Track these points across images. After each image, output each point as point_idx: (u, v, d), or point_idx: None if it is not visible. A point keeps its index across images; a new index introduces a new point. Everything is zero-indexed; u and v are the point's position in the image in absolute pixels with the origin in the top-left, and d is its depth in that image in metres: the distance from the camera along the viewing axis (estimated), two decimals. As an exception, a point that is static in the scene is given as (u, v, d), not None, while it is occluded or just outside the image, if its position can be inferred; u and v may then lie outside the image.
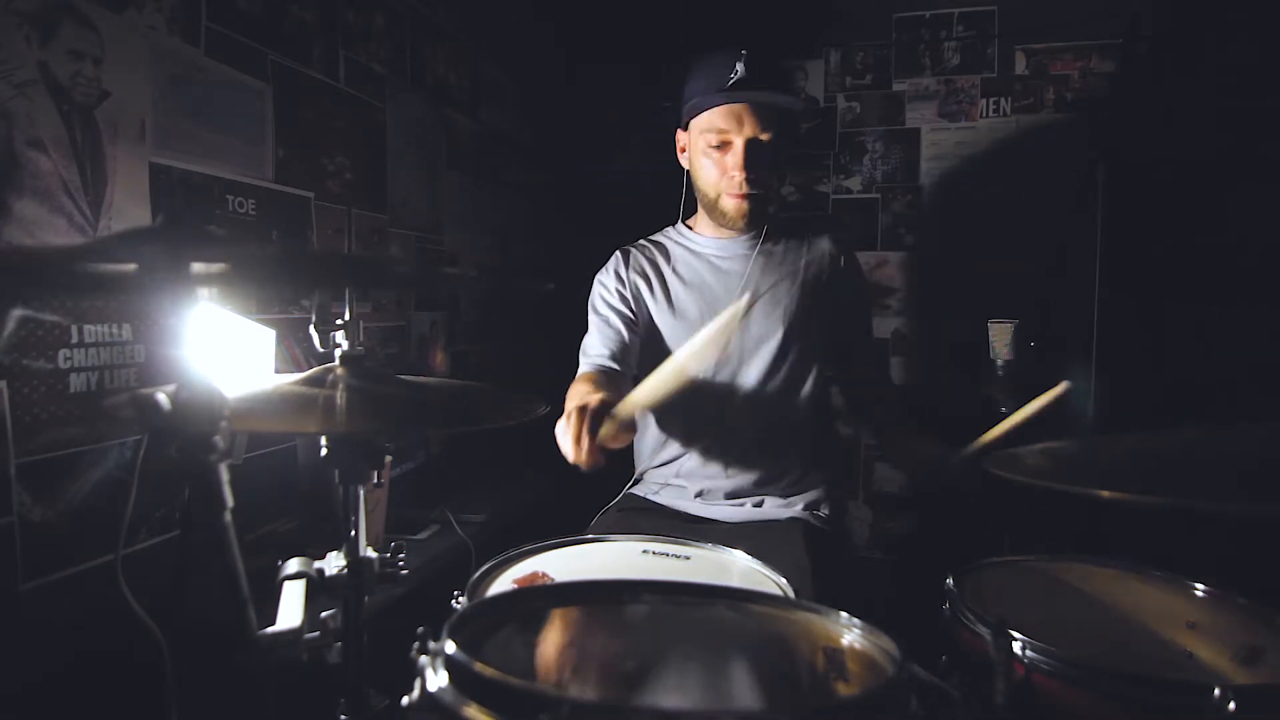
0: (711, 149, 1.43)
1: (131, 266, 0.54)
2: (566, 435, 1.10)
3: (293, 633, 0.76)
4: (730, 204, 1.46)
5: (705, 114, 1.42)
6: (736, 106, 1.39)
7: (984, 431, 1.19)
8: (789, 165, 2.90)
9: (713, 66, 1.41)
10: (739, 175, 1.42)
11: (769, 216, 1.54)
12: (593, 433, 1.07)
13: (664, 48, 2.77)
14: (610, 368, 1.48)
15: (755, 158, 1.41)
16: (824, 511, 1.52)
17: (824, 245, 1.58)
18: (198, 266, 0.57)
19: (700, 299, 1.53)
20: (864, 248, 2.75)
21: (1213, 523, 1.71)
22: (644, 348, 1.56)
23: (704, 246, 1.57)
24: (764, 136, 1.40)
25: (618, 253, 1.63)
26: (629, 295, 1.56)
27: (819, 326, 1.52)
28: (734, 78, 1.38)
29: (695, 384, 1.51)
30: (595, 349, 1.52)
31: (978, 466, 1.11)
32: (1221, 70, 2.39)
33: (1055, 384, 1.08)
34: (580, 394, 1.28)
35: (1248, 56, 2.36)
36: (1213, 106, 2.39)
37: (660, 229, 1.67)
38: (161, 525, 1.30)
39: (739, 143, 1.40)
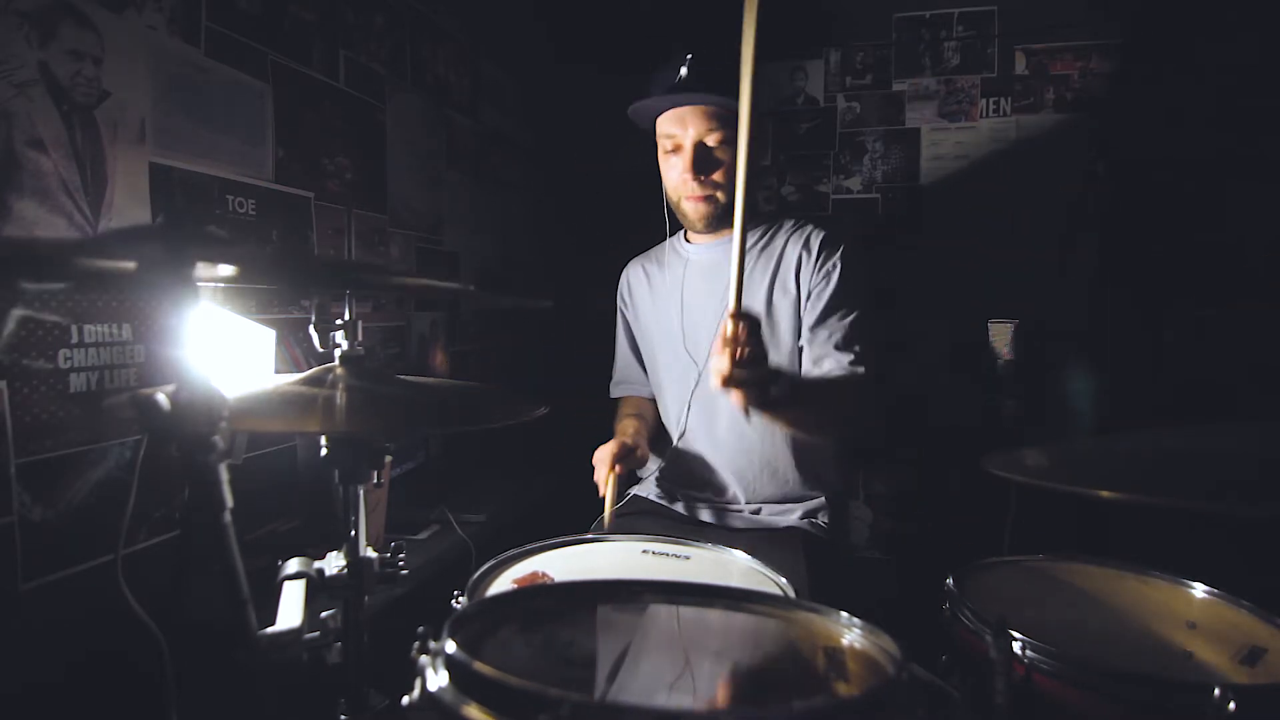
0: (667, 153, 1.44)
1: (131, 264, 0.54)
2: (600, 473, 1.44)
3: (293, 633, 0.76)
4: (689, 207, 1.46)
5: (658, 120, 1.43)
6: (681, 109, 1.39)
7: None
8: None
9: (662, 72, 1.41)
10: (688, 177, 1.41)
11: (761, 215, 1.53)
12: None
13: (664, 47, 2.77)
14: (641, 394, 1.71)
15: (703, 160, 1.40)
16: (823, 520, 1.50)
17: (804, 242, 1.49)
18: (198, 267, 0.57)
19: (686, 306, 1.53)
20: (864, 248, 2.75)
21: (1213, 523, 1.71)
22: (645, 356, 1.67)
23: (690, 252, 1.57)
24: (710, 139, 1.39)
25: (627, 266, 1.71)
26: (628, 311, 1.69)
27: (799, 328, 1.48)
28: (676, 81, 1.38)
29: (684, 390, 1.53)
30: (622, 374, 1.74)
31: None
32: (1221, 70, 2.39)
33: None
34: (616, 432, 1.56)
35: (1248, 56, 2.36)
36: (1213, 106, 2.39)
37: (658, 230, 1.68)
38: (161, 525, 1.30)
39: (687, 145, 1.40)
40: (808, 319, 1.45)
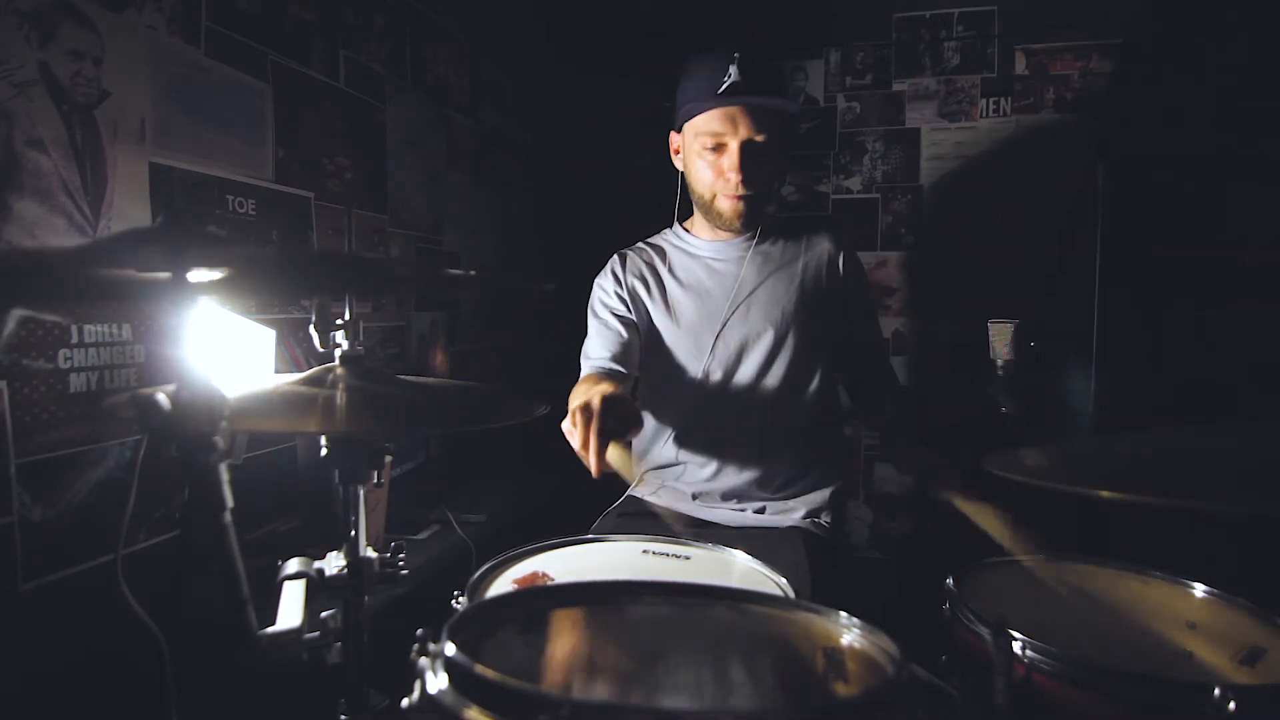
0: (707, 150, 1.43)
1: (131, 272, 0.54)
2: (574, 437, 1.12)
3: (293, 633, 0.76)
4: (726, 205, 1.46)
5: (700, 117, 1.42)
6: (731, 109, 1.38)
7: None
8: (788, 166, 2.91)
9: (706, 69, 1.39)
10: (734, 177, 1.41)
11: (767, 217, 1.54)
12: (600, 435, 1.08)
13: (663, 47, 2.77)
14: (613, 369, 1.50)
15: (751, 160, 1.41)
16: (825, 520, 1.51)
17: (823, 245, 1.56)
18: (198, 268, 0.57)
19: (696, 301, 1.53)
20: (864, 248, 2.74)
21: (1213, 523, 1.71)
22: (644, 350, 1.58)
23: (700, 249, 1.57)
24: (759, 138, 1.39)
25: (615, 256, 1.63)
26: (626, 298, 1.58)
27: (817, 328, 1.51)
28: (728, 81, 1.36)
29: (690, 384, 1.52)
30: (596, 352, 1.54)
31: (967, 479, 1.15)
32: (1221, 70, 2.38)
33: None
34: (582, 391, 1.28)
35: (1248, 56, 2.36)
36: (1213, 106, 2.39)
37: (659, 230, 1.67)
38: (161, 525, 1.30)
39: (734, 145, 1.39)
40: (845, 321, 1.55)
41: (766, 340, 1.48)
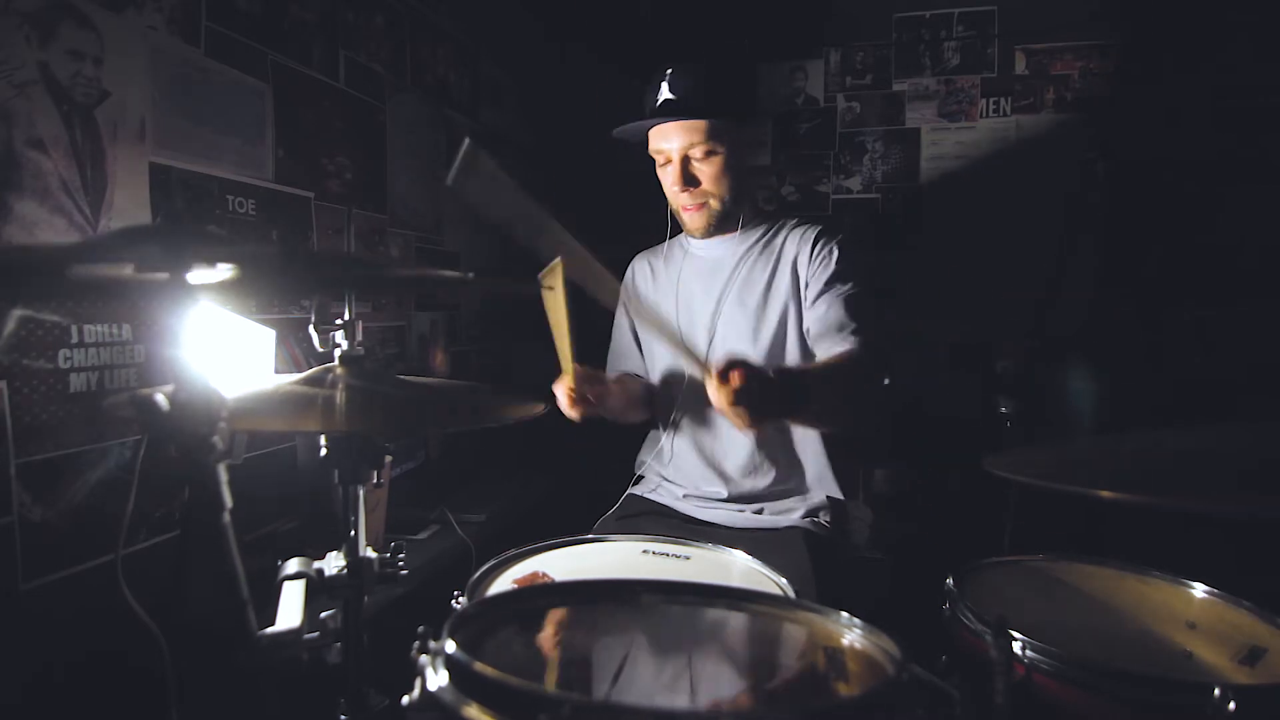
0: (661, 166, 1.48)
1: (130, 270, 0.54)
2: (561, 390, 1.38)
3: (293, 633, 0.76)
4: (685, 216, 1.50)
5: (649, 134, 1.46)
6: (665, 126, 1.42)
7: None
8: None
9: (650, 88, 1.45)
10: (676, 189, 1.45)
11: (738, 216, 1.52)
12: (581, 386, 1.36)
13: (663, 47, 2.77)
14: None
15: (690, 174, 1.44)
16: (825, 519, 1.50)
17: (806, 235, 1.51)
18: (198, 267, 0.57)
19: (688, 300, 1.55)
20: (864, 248, 2.74)
21: (1213, 523, 1.71)
22: (644, 352, 1.65)
23: (695, 248, 1.58)
24: (698, 150, 1.41)
25: (632, 261, 1.71)
26: (629, 303, 1.64)
27: (794, 322, 1.49)
28: (659, 100, 1.42)
29: (685, 383, 1.52)
30: (620, 363, 1.68)
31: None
32: (1221, 70, 2.39)
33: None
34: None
35: (1247, 56, 2.36)
36: (1212, 106, 2.39)
37: (659, 230, 1.68)
38: (161, 525, 1.30)
39: (676, 159, 1.43)
40: (807, 302, 1.46)
41: (756, 336, 1.48)
